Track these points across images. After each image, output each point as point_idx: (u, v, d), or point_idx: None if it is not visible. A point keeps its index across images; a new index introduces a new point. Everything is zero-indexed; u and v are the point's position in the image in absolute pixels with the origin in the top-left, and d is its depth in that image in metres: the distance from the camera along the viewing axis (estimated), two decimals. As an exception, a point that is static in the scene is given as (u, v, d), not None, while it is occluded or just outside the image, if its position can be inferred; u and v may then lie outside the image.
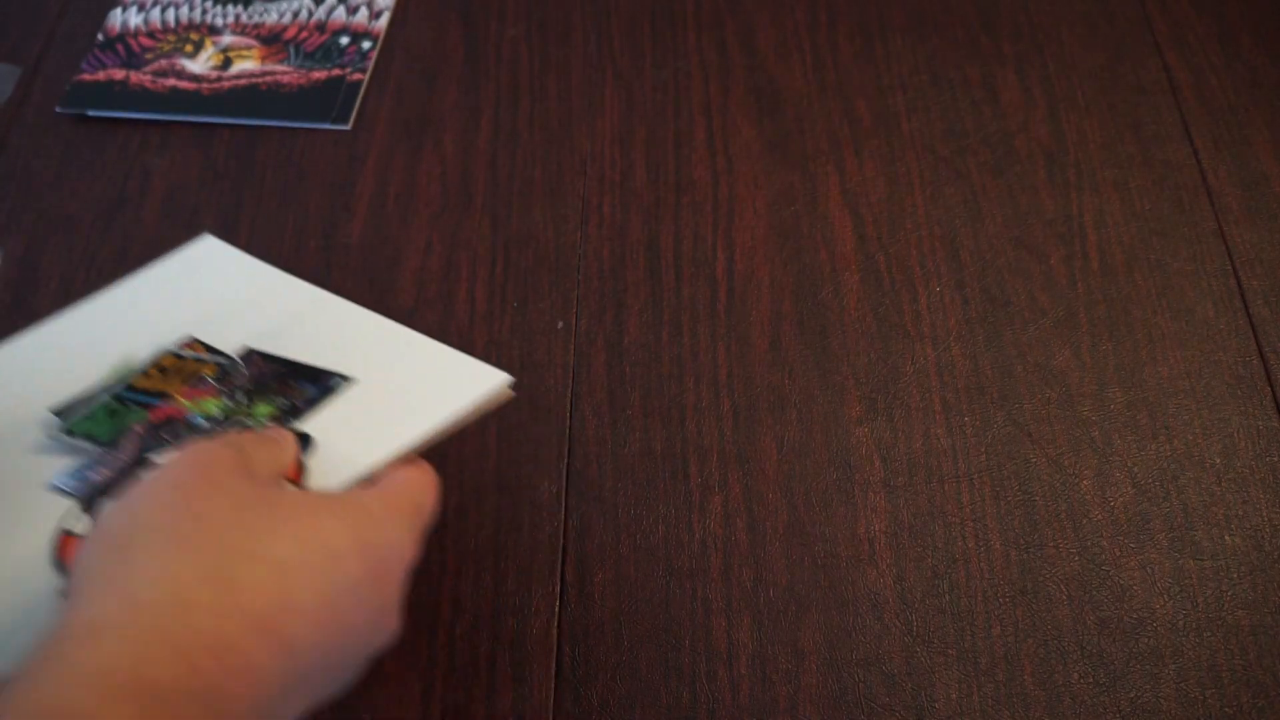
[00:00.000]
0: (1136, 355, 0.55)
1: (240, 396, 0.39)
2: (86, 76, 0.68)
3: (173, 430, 0.37)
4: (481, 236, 0.60)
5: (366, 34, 0.70)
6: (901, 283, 0.58)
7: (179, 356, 0.42)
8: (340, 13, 0.71)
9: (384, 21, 0.70)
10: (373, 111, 0.66)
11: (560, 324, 0.57)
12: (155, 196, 0.63)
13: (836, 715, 0.46)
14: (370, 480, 0.36)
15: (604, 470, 0.53)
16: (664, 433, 0.54)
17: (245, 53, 0.69)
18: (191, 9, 0.72)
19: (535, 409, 0.54)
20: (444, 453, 0.53)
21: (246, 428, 0.37)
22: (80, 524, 0.32)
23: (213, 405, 0.38)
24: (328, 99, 0.66)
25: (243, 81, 0.67)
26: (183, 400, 0.39)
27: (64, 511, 0.34)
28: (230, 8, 0.71)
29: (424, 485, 0.36)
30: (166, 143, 0.65)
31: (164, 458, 0.33)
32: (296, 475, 0.35)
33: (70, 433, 0.38)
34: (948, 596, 0.49)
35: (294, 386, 0.39)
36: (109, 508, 0.30)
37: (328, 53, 0.69)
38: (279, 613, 0.28)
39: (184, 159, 0.64)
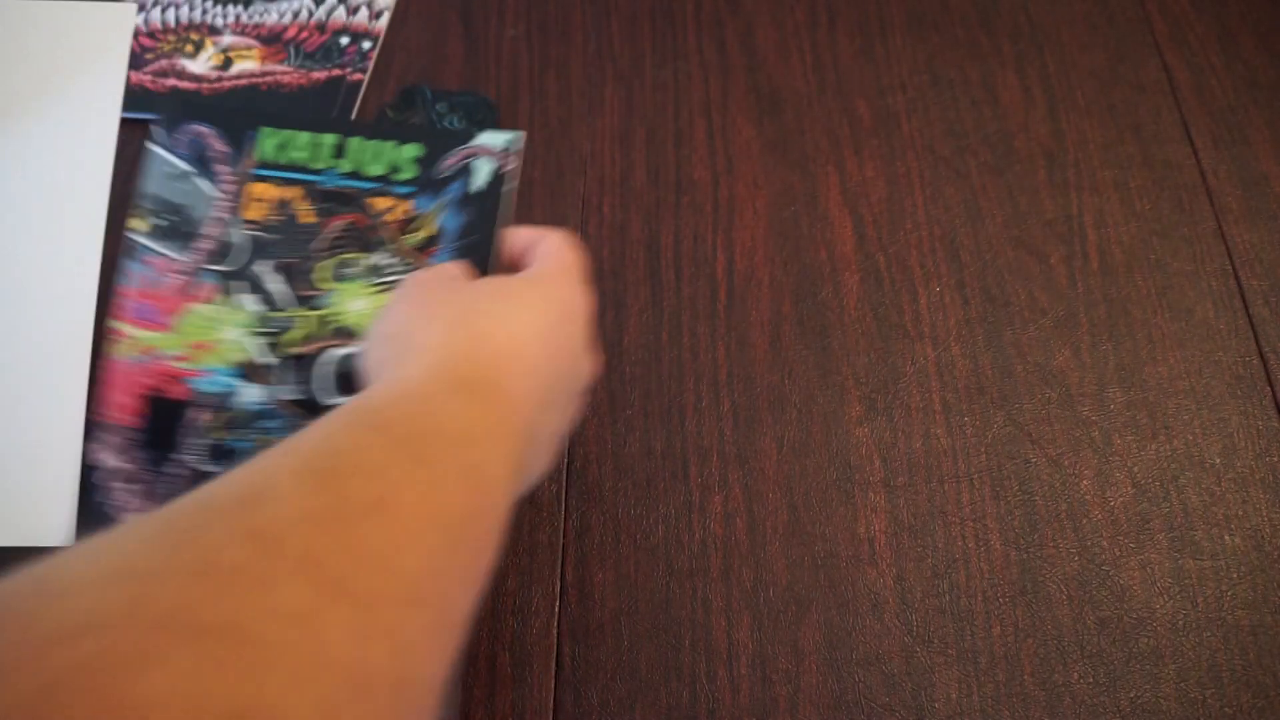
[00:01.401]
0: (1136, 355, 0.55)
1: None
2: (86, 77, 0.68)
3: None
4: (481, 236, 0.60)
5: (366, 34, 0.70)
6: (901, 283, 0.58)
7: None
8: (340, 13, 0.71)
9: (384, 21, 0.70)
10: (373, 111, 0.66)
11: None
12: (155, 196, 0.63)
13: (836, 715, 0.46)
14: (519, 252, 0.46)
15: (604, 470, 0.53)
16: (664, 433, 0.54)
17: (245, 53, 0.69)
18: (191, 9, 0.72)
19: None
20: (444, 453, 0.53)
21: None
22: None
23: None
24: (328, 99, 0.66)
25: (243, 82, 0.67)
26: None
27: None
28: (230, 8, 0.71)
29: (566, 246, 0.44)
30: (166, 143, 0.65)
31: (404, 280, 0.41)
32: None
33: None
34: (948, 596, 0.49)
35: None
36: (372, 328, 0.40)
37: (328, 53, 0.69)
38: (516, 343, 0.38)
39: (184, 159, 0.64)
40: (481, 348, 0.37)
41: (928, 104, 0.65)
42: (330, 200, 0.45)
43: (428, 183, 0.46)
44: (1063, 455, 0.52)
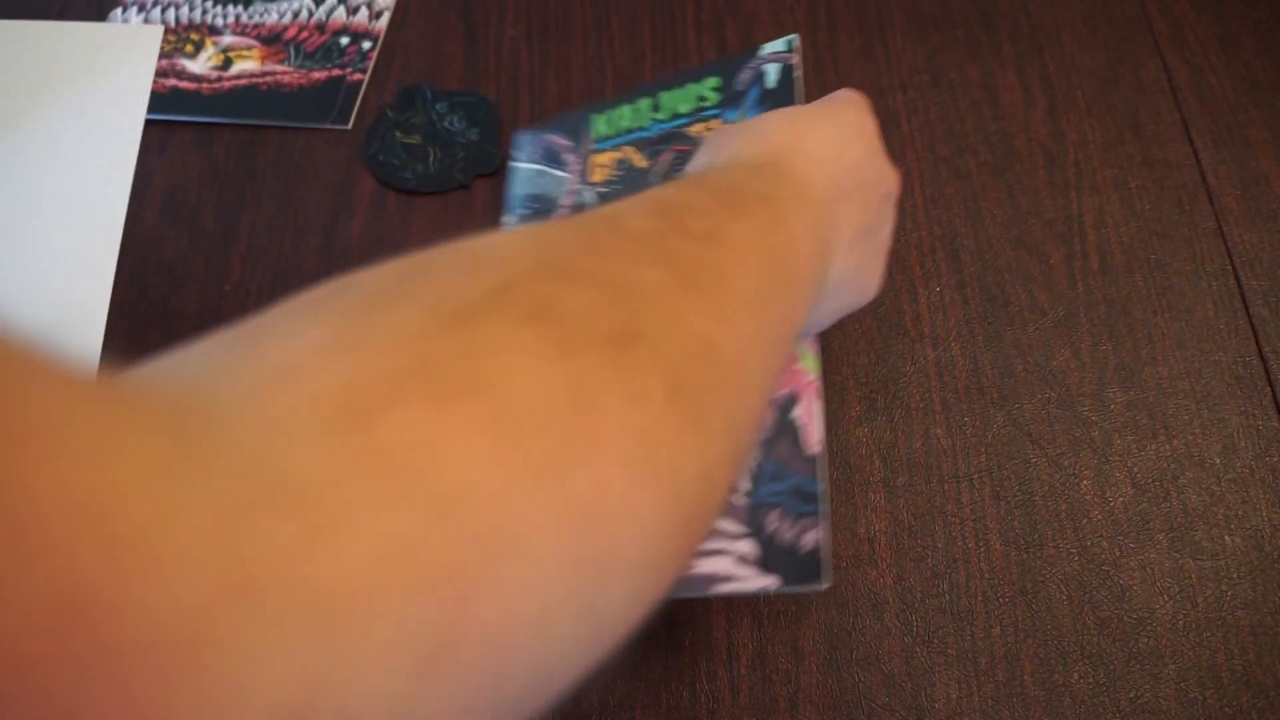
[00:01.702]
0: (1136, 355, 0.55)
1: None
2: (87, 77, 0.68)
3: None
4: (481, 236, 0.60)
5: (366, 34, 0.70)
6: (901, 283, 0.58)
7: None
8: (340, 13, 0.71)
9: (384, 21, 0.70)
10: (373, 112, 0.66)
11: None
12: (155, 196, 0.63)
13: (836, 715, 0.46)
14: None
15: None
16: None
17: (245, 53, 0.69)
18: (192, 9, 0.72)
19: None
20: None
21: None
22: None
23: None
24: (328, 99, 0.66)
25: (243, 82, 0.67)
26: None
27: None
28: (230, 8, 0.71)
29: (852, 92, 0.47)
30: (166, 143, 0.65)
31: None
32: None
33: None
34: (948, 596, 0.49)
35: None
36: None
37: (328, 53, 0.69)
38: (805, 143, 0.40)
39: (184, 159, 0.64)
40: (772, 141, 0.40)
41: (928, 104, 0.65)
42: (657, 143, 0.54)
43: (729, 98, 0.53)
44: (1063, 455, 0.52)
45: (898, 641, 0.48)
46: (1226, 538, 0.50)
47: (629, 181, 0.53)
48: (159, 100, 0.66)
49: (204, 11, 0.71)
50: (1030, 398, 0.54)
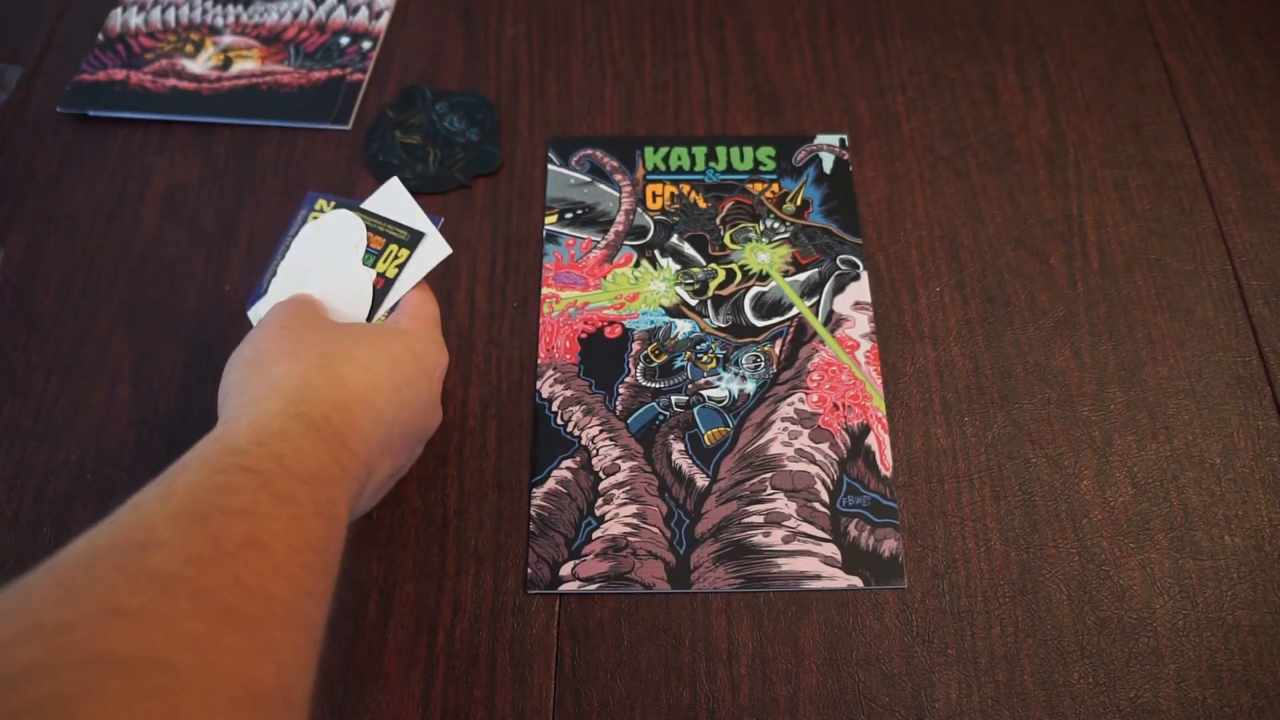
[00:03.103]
0: (1136, 355, 0.55)
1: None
2: (87, 76, 0.68)
3: None
4: (481, 236, 0.60)
5: (366, 34, 0.70)
6: (901, 283, 0.58)
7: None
8: (340, 13, 0.71)
9: (384, 21, 0.70)
10: (373, 111, 0.66)
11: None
12: (155, 196, 0.63)
13: (836, 715, 0.46)
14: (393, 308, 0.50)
15: (604, 470, 0.53)
16: (664, 433, 0.54)
17: (245, 53, 0.69)
18: (192, 9, 0.72)
19: (537, 411, 0.54)
20: (444, 453, 0.53)
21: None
22: None
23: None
24: (328, 99, 0.66)
25: (243, 82, 0.67)
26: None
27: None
28: (230, 8, 0.71)
29: (427, 300, 0.49)
30: (166, 143, 0.65)
31: (267, 312, 0.46)
32: None
33: None
34: (948, 596, 0.49)
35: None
36: (236, 352, 0.43)
37: (328, 53, 0.69)
38: (370, 392, 0.41)
39: (184, 159, 0.64)
40: (339, 392, 0.40)
41: (928, 104, 0.65)
42: (716, 190, 0.62)
43: (788, 169, 0.62)
44: (1063, 455, 0.52)
45: (898, 641, 0.48)
46: (1226, 538, 0.50)
47: (688, 217, 0.60)
48: (159, 100, 0.66)
49: (204, 11, 0.71)
50: (1030, 398, 0.54)
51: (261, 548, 0.32)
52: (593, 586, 0.49)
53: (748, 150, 0.63)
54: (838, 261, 0.58)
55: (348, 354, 0.42)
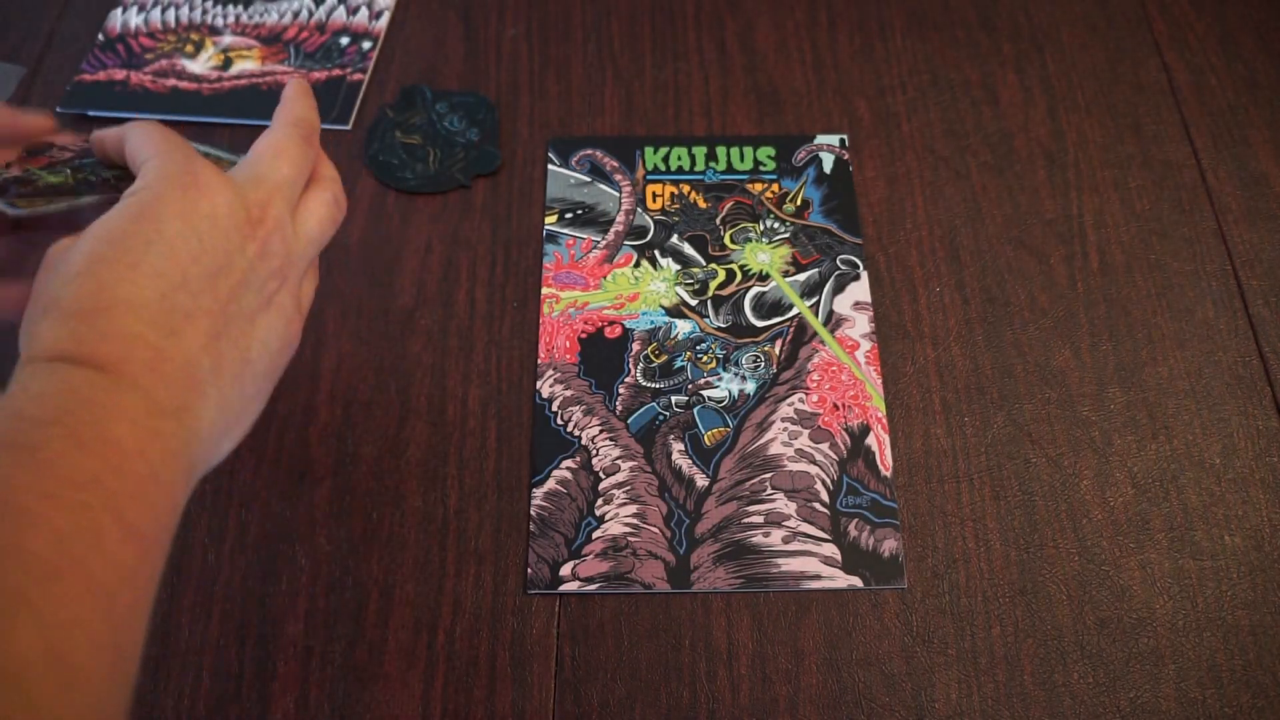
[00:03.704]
0: (1136, 355, 0.55)
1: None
2: (87, 77, 0.68)
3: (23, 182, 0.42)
4: (481, 236, 0.60)
5: (366, 34, 0.70)
6: (901, 283, 0.58)
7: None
8: (340, 13, 0.71)
9: (384, 21, 0.70)
10: (373, 112, 0.66)
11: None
12: (155, 197, 0.63)
13: (836, 715, 0.46)
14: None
15: (604, 470, 0.53)
16: (664, 433, 0.54)
17: (245, 53, 0.69)
18: (192, 9, 0.72)
19: (537, 411, 0.54)
20: (444, 453, 0.53)
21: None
22: None
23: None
24: (328, 99, 0.66)
25: (243, 82, 0.67)
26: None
27: None
28: (230, 8, 0.71)
29: (159, 137, 0.38)
30: (167, 143, 0.65)
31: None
32: None
33: None
34: (948, 596, 0.49)
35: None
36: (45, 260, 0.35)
37: (328, 53, 0.69)
38: (141, 314, 0.33)
39: (184, 159, 0.64)
40: (73, 310, 0.32)
41: (928, 104, 0.65)
42: (716, 190, 0.62)
43: (788, 169, 0.63)
44: (1063, 455, 0.52)
45: (898, 641, 0.48)
46: (1226, 538, 0.50)
47: (688, 216, 0.60)
48: (159, 100, 0.66)
49: (204, 11, 0.71)
50: (1030, 398, 0.54)
51: (16, 554, 0.27)
52: (593, 586, 0.49)
53: (748, 150, 0.63)
54: (838, 261, 0.58)
55: (101, 272, 0.33)
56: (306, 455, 0.53)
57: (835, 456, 0.52)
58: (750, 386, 0.54)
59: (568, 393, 0.54)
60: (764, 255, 0.59)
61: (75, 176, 0.40)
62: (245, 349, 0.36)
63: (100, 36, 0.70)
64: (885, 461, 0.52)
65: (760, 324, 0.56)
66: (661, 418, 0.53)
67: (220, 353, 0.35)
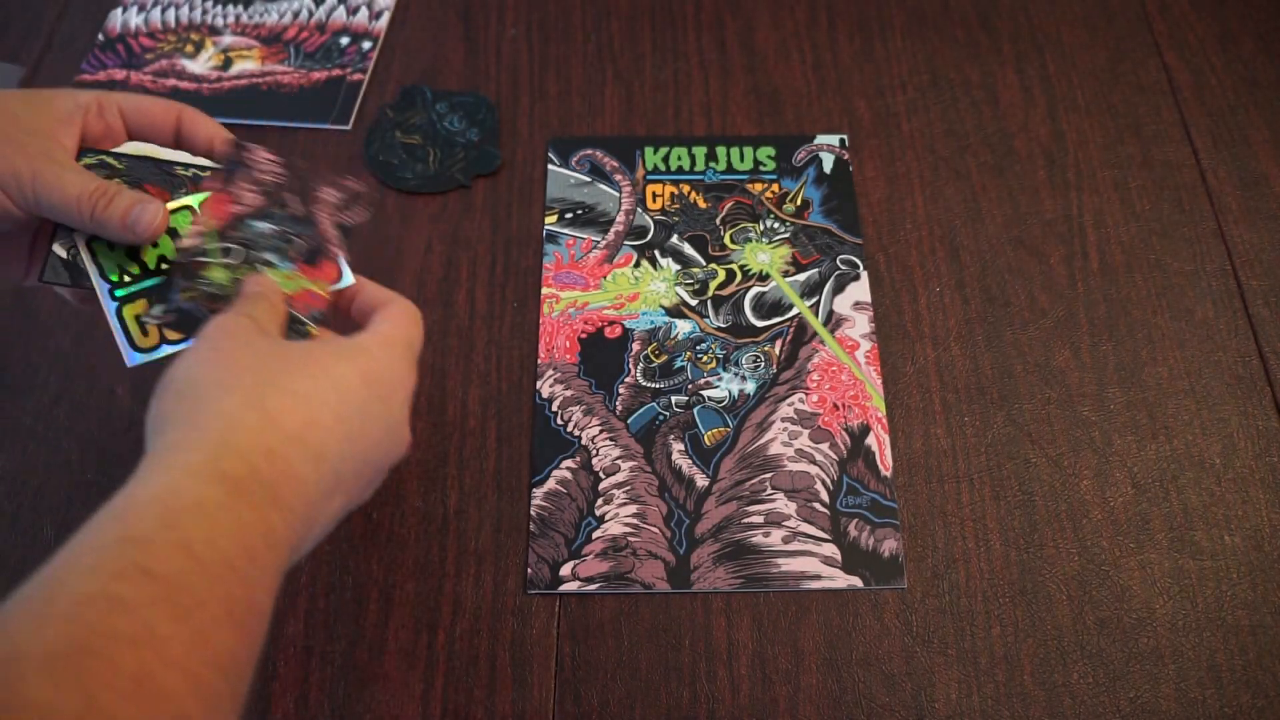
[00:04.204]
0: (1136, 355, 0.55)
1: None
2: (87, 77, 0.68)
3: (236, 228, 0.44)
4: (481, 236, 0.60)
5: (366, 34, 0.70)
6: (901, 283, 0.58)
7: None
8: (340, 13, 0.71)
9: (384, 21, 0.70)
10: (373, 111, 0.66)
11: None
12: (155, 197, 0.63)
13: (836, 715, 0.46)
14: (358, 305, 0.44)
15: (604, 470, 0.53)
16: (664, 433, 0.54)
17: (245, 53, 0.69)
18: (192, 9, 0.72)
19: (537, 411, 0.54)
20: (444, 453, 0.53)
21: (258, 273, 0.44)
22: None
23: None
24: (328, 99, 0.66)
25: (243, 82, 0.67)
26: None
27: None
28: (230, 8, 0.72)
29: (405, 320, 0.42)
30: (167, 143, 0.65)
31: (201, 331, 0.39)
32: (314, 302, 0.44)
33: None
34: (948, 596, 0.49)
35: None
36: (166, 373, 0.38)
37: (328, 53, 0.69)
38: (307, 429, 0.36)
39: (184, 159, 0.64)
40: (269, 434, 0.35)
41: (928, 104, 0.65)
42: (716, 190, 0.62)
43: (788, 169, 0.63)
44: (1063, 455, 0.52)
45: (898, 641, 0.48)
46: (1226, 538, 0.50)
47: (688, 216, 0.61)
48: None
49: (204, 11, 0.71)
50: (1030, 398, 0.54)
51: (151, 685, 0.28)
52: (593, 586, 0.49)
53: (748, 150, 0.63)
54: (838, 261, 0.58)
55: (282, 383, 0.37)
56: (306, 455, 0.53)
57: (835, 456, 0.52)
58: (750, 386, 0.54)
59: (568, 393, 0.54)
60: (764, 255, 0.59)
61: (235, 273, 0.43)
62: (347, 510, 0.40)
63: (100, 36, 0.70)
64: (885, 461, 0.52)
65: (760, 324, 0.56)
66: (661, 418, 0.53)
67: (334, 520, 0.39)
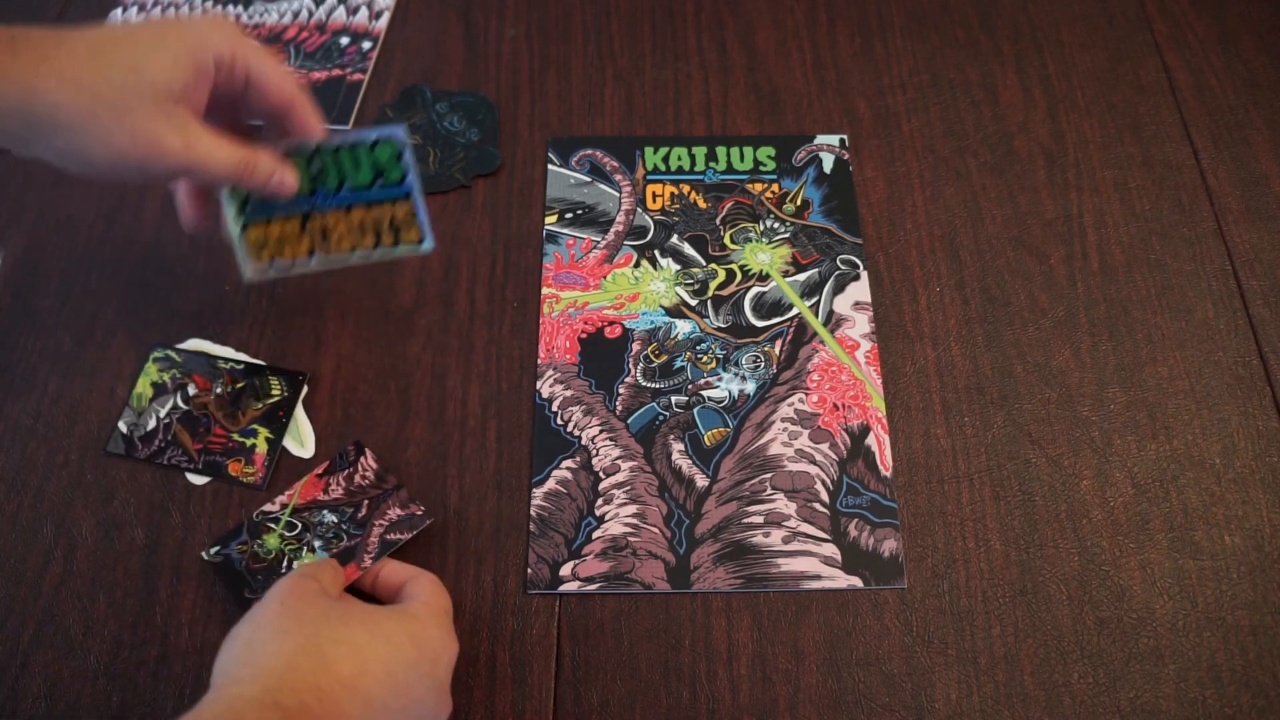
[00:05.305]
0: (1136, 355, 0.55)
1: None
2: (87, 77, 0.68)
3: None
4: (481, 236, 0.60)
5: (366, 34, 0.70)
6: (901, 283, 0.58)
7: None
8: (340, 13, 0.71)
9: (384, 21, 0.70)
10: (373, 111, 0.66)
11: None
12: (155, 196, 0.63)
13: (836, 715, 0.46)
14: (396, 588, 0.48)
15: (604, 470, 0.53)
16: (664, 433, 0.54)
17: (245, 53, 0.69)
18: (192, 10, 0.72)
19: (537, 411, 0.54)
20: (444, 453, 0.53)
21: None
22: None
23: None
24: (328, 99, 0.66)
25: (243, 82, 0.67)
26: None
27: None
28: (230, 8, 0.71)
29: (440, 591, 0.46)
30: (167, 143, 0.65)
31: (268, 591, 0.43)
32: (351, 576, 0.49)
33: None
34: (948, 596, 0.49)
35: None
36: (234, 628, 0.41)
37: (328, 53, 0.69)
38: (358, 676, 0.39)
39: (184, 159, 0.64)
40: (323, 675, 0.38)
41: (928, 104, 0.65)
42: (716, 190, 0.62)
43: (788, 169, 0.62)
44: (1063, 455, 0.52)
45: (898, 641, 0.48)
46: (1226, 538, 0.50)
47: (688, 216, 0.60)
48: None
49: (204, 12, 0.71)
50: (1030, 398, 0.54)
51: None
52: (593, 586, 0.49)
53: (748, 150, 0.63)
54: (838, 261, 0.58)
55: (340, 635, 0.40)
56: (306, 455, 0.53)
57: (835, 456, 0.52)
58: (750, 386, 0.54)
59: (568, 393, 0.54)
60: (764, 255, 0.59)
61: (283, 546, 0.50)
62: None
63: (100, 36, 0.70)
64: (885, 462, 0.52)
65: (760, 324, 0.56)
66: (661, 418, 0.53)
67: None
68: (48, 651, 0.48)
